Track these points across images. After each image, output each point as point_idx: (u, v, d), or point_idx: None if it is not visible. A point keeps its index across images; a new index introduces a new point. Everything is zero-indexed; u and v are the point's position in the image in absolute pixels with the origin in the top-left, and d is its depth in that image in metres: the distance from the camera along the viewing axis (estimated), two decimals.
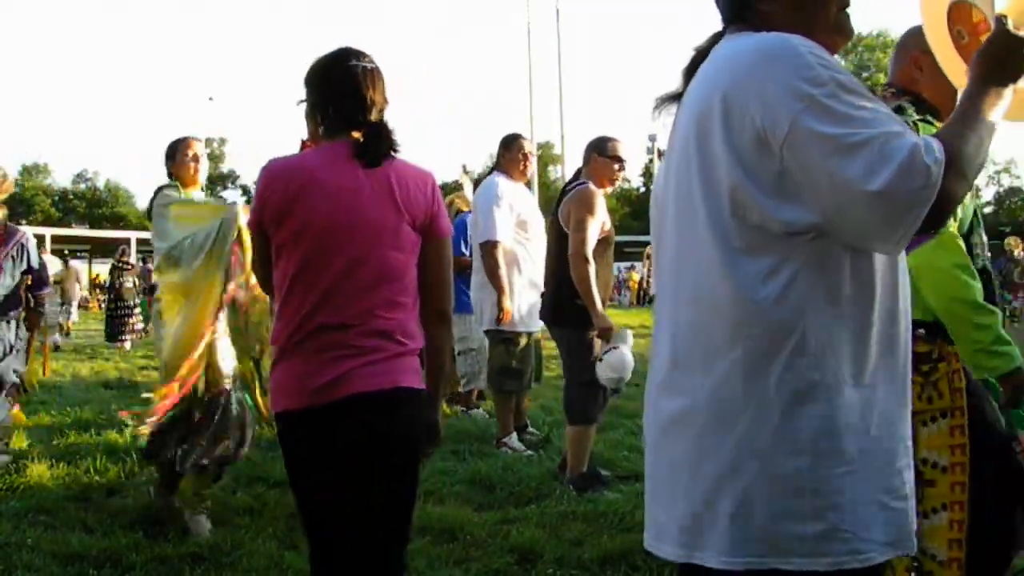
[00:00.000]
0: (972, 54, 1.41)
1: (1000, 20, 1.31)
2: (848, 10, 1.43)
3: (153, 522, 3.66)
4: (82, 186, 60.41)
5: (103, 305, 14.06)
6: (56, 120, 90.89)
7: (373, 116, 2.01)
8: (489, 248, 5.02)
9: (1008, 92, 1.30)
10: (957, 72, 1.57)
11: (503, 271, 4.98)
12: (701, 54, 1.47)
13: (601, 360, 4.05)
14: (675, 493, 1.36)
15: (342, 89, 2.00)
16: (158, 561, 3.23)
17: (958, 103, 1.31)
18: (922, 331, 2.14)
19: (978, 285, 2.08)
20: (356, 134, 1.99)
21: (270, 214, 1.96)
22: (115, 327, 12.80)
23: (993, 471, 2.16)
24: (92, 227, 45.60)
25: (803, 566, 1.24)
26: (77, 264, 20.53)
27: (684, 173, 1.36)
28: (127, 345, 12.58)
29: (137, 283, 13.80)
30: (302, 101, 2.08)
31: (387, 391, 1.93)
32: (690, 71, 1.47)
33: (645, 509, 1.47)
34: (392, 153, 2.01)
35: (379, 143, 1.99)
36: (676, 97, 1.49)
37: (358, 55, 2.04)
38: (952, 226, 2.10)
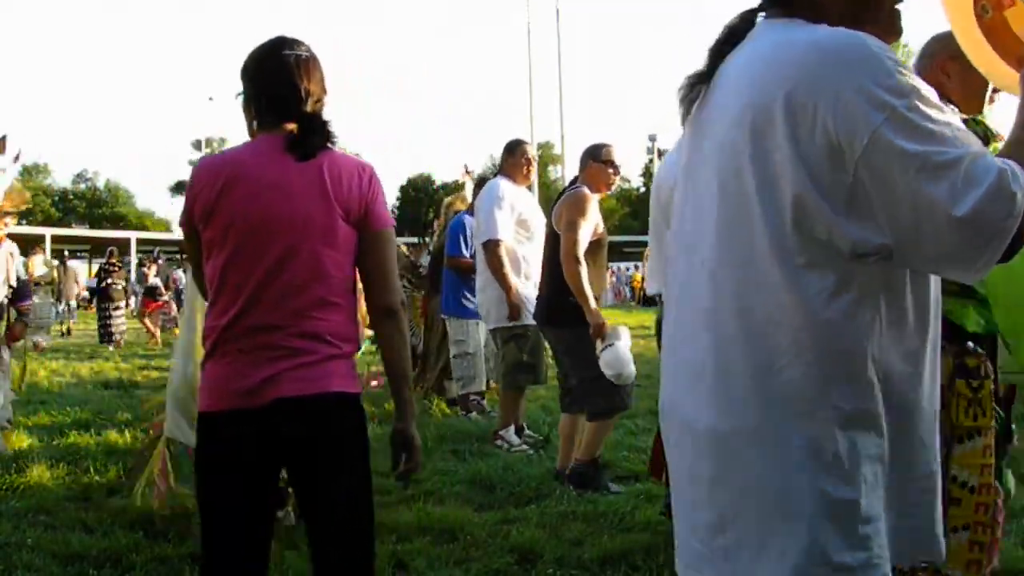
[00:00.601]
0: (995, 30, 1.36)
1: None
2: (901, 7, 1.32)
3: (153, 522, 3.66)
4: (82, 186, 60.48)
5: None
6: (56, 120, 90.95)
7: (309, 107, 1.93)
8: (492, 247, 5.09)
9: None
10: (977, 50, 1.53)
11: (508, 268, 5.04)
12: (731, 33, 1.36)
13: (599, 358, 4.07)
14: (722, 519, 1.28)
15: (275, 80, 1.94)
16: (158, 561, 3.23)
17: (1016, 118, 1.24)
18: (972, 345, 2.11)
19: None
20: (291, 127, 1.91)
21: (199, 211, 1.90)
22: (104, 328, 12.99)
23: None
24: (92, 227, 45.63)
25: None
26: (76, 264, 20.54)
27: (733, 176, 1.26)
28: (117, 345, 12.71)
29: (126, 285, 13.93)
30: (240, 94, 2.00)
31: (317, 396, 1.85)
32: (717, 51, 1.38)
33: (676, 530, 1.40)
34: (328, 146, 1.93)
35: (312, 136, 1.91)
36: (706, 78, 1.38)
37: (292, 44, 1.97)
38: None
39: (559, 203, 4.34)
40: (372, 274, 1.97)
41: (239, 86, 2.02)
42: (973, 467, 2.10)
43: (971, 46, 1.56)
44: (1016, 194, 1.10)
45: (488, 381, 6.30)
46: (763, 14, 1.36)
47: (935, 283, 1.27)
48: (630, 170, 47.74)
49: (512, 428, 5.20)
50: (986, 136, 2.15)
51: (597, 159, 4.39)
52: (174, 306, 14.24)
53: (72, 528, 3.63)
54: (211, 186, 1.89)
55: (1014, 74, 1.43)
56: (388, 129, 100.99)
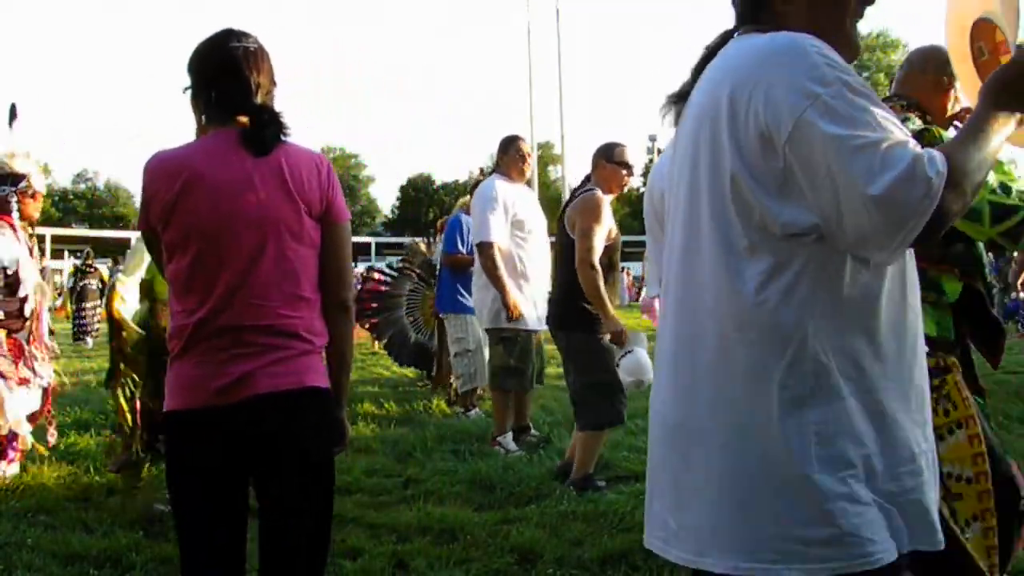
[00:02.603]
0: (988, 73, 1.40)
1: (1021, 48, 1.32)
2: (858, 21, 1.42)
3: (153, 522, 3.66)
4: (82, 186, 60.47)
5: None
6: (56, 120, 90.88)
7: (259, 99, 1.90)
8: (484, 249, 5.07)
9: (1014, 121, 1.29)
10: (971, 86, 1.58)
11: (502, 270, 5.02)
12: (711, 52, 1.46)
13: (618, 365, 4.07)
14: (681, 498, 1.35)
15: (223, 72, 1.90)
16: (158, 561, 3.23)
17: (965, 122, 1.31)
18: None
19: None
20: (242, 120, 1.88)
21: (156, 213, 1.86)
22: (79, 327, 13.22)
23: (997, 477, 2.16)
24: (92, 227, 45.64)
25: (810, 572, 1.23)
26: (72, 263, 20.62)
27: (692, 174, 1.36)
28: (89, 343, 12.89)
29: (102, 285, 14.17)
30: (187, 89, 1.96)
31: (293, 391, 1.85)
32: (699, 69, 1.46)
33: (646, 511, 1.46)
34: (282, 138, 1.90)
35: (266, 128, 1.87)
36: (684, 95, 1.48)
37: (240, 36, 1.94)
38: None
39: (572, 207, 4.29)
40: (329, 268, 1.95)
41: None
42: (964, 459, 2.13)
43: (967, 84, 1.63)
44: (931, 178, 1.16)
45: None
46: (738, 32, 1.45)
47: (887, 269, 1.30)
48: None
49: (509, 435, 5.18)
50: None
51: (610, 160, 4.35)
52: None
53: (72, 528, 3.63)
54: (168, 187, 1.84)
55: None
56: (388, 129, 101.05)
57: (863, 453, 1.26)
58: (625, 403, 4.30)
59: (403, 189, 62.74)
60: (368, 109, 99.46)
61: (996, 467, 2.18)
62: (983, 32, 1.56)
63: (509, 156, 5.33)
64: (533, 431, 5.47)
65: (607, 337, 4.15)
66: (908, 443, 1.31)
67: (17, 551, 3.33)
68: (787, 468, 1.24)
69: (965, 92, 1.66)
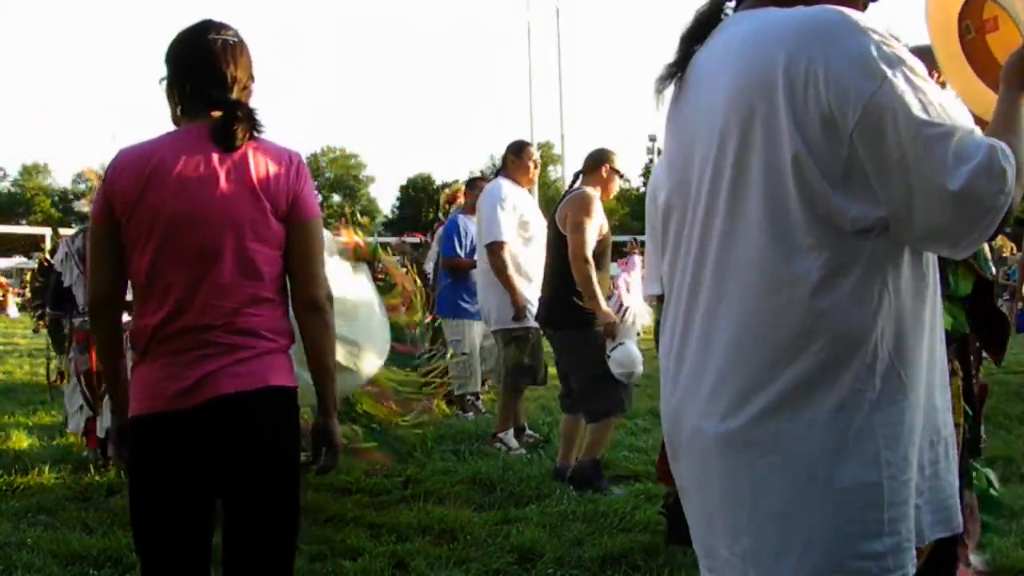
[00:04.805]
0: (976, 50, 1.38)
1: None
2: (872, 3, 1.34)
3: None
4: (82, 186, 60.41)
5: None
6: (56, 120, 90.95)
7: (234, 94, 1.85)
8: (496, 249, 5.08)
9: None
10: (955, 67, 1.55)
11: (512, 270, 5.05)
12: (705, 19, 1.34)
13: (609, 357, 4.09)
14: (737, 523, 1.24)
15: (198, 64, 1.85)
16: None
17: (995, 112, 1.24)
18: None
19: None
20: (216, 114, 1.83)
21: (121, 203, 1.80)
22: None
23: None
24: None
25: None
26: None
27: (740, 153, 1.21)
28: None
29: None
30: (163, 80, 1.91)
31: (256, 391, 1.80)
32: (689, 40, 1.35)
33: (694, 539, 1.36)
34: (254, 135, 1.85)
35: (237, 124, 1.82)
36: (679, 66, 1.36)
37: (219, 28, 1.89)
38: None
39: (563, 205, 4.35)
40: (297, 266, 1.89)
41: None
42: None
43: (949, 62, 1.58)
44: (1006, 170, 1.11)
45: (484, 382, 6.29)
46: (731, 4, 1.35)
47: (928, 257, 1.25)
48: (630, 170, 47.47)
49: (511, 431, 5.19)
50: None
51: (602, 165, 4.42)
52: None
53: (72, 528, 3.63)
54: (134, 179, 1.80)
55: (987, 93, 1.44)
56: (388, 129, 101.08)
57: (913, 451, 1.20)
58: (628, 393, 4.31)
59: (403, 189, 62.71)
60: (368, 109, 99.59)
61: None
62: (971, 9, 1.52)
63: (521, 161, 5.34)
64: (530, 432, 5.47)
65: (601, 329, 4.17)
66: (938, 431, 1.27)
67: (17, 551, 3.33)
68: (855, 479, 1.16)
69: (948, 76, 1.60)
